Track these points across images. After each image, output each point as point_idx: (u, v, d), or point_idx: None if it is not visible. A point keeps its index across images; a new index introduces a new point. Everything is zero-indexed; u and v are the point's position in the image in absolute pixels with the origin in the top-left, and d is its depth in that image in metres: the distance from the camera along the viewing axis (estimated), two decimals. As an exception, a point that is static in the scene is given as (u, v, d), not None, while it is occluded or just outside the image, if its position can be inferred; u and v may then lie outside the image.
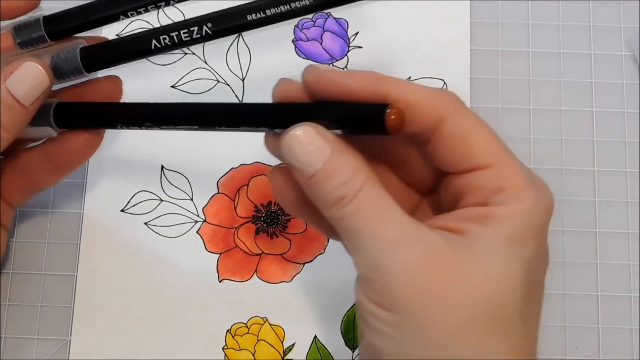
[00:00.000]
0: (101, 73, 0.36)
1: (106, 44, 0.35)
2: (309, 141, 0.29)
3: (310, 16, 0.44)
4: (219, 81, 0.43)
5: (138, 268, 0.40)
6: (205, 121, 0.32)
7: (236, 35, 0.44)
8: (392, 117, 0.28)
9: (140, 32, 0.34)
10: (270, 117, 0.31)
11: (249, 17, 0.32)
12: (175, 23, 0.33)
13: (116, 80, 0.37)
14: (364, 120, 0.29)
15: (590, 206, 0.42)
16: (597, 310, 0.40)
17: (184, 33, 0.33)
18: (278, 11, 0.32)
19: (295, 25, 0.44)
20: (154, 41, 0.33)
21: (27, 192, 0.38)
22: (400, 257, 0.27)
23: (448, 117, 0.29)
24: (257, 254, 0.41)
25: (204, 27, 0.33)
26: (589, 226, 0.41)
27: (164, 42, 0.33)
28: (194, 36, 0.33)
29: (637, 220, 0.41)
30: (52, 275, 0.41)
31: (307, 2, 0.31)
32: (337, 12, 0.44)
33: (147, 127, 0.33)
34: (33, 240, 0.41)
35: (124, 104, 0.36)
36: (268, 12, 0.32)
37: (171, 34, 0.33)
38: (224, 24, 0.33)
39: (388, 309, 0.27)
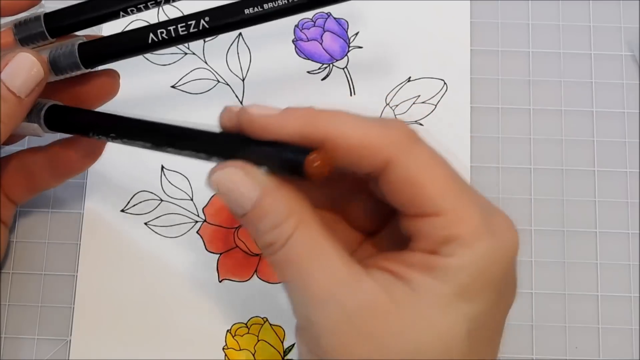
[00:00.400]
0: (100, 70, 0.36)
1: (104, 39, 0.35)
2: (236, 182, 0.27)
3: (310, 16, 0.44)
4: (219, 81, 0.43)
5: (138, 268, 0.40)
6: (154, 141, 0.31)
7: (236, 35, 0.44)
8: (315, 164, 0.25)
9: (137, 28, 0.34)
10: (207, 147, 0.29)
11: (246, 12, 0.32)
12: (173, 18, 0.33)
13: (113, 74, 0.37)
14: (284, 165, 0.27)
15: (590, 206, 0.42)
16: (597, 310, 0.40)
17: (181, 27, 0.33)
18: (276, 6, 0.32)
19: (296, 25, 0.44)
20: (151, 35, 0.33)
21: (28, 191, 0.38)
22: (328, 314, 0.26)
23: (394, 160, 0.27)
24: (257, 254, 0.41)
25: (202, 22, 0.33)
26: (589, 226, 0.41)
27: (161, 37, 0.33)
28: (191, 30, 0.33)
29: (637, 220, 0.41)
30: (52, 275, 0.40)
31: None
32: (337, 12, 0.44)
33: (113, 139, 0.32)
34: (33, 240, 0.41)
35: (97, 113, 0.35)
36: (266, 7, 0.32)
37: (168, 28, 0.33)
38: (222, 19, 0.33)
39: None
